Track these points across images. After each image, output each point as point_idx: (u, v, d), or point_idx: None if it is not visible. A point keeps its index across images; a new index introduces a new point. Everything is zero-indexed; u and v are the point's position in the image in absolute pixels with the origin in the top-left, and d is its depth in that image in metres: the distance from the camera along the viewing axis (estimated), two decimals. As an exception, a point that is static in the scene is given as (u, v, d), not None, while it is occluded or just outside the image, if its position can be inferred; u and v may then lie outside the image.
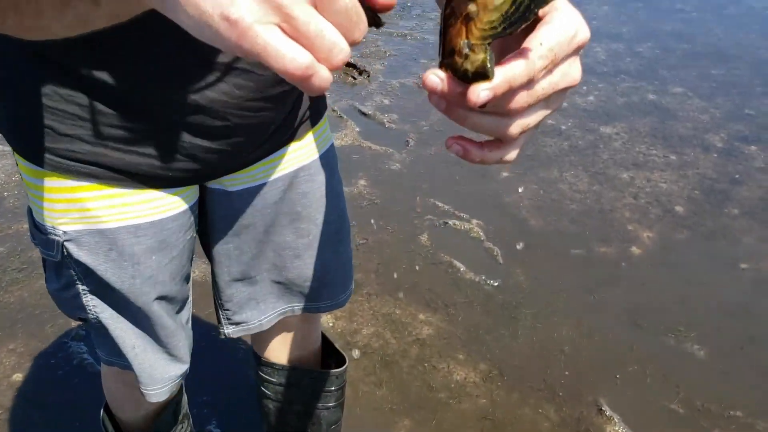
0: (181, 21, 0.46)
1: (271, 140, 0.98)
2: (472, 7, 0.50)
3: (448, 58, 0.52)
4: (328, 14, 0.44)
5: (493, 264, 2.38)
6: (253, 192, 1.01)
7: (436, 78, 0.51)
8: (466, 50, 0.50)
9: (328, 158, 1.09)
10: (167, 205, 0.94)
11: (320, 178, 1.07)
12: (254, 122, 0.89)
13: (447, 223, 2.58)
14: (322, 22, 0.44)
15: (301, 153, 1.04)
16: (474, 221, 2.59)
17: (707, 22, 4.40)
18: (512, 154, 0.58)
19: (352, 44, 0.45)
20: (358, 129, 3.25)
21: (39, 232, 0.94)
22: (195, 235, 1.03)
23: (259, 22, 0.43)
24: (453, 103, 0.53)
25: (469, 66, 0.50)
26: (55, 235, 0.91)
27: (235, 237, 1.06)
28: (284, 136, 1.00)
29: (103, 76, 0.79)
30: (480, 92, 0.49)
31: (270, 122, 0.93)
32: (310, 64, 0.43)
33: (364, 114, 3.41)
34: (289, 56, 0.43)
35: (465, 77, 0.51)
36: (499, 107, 0.53)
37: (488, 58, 0.50)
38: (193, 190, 0.98)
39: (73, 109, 0.82)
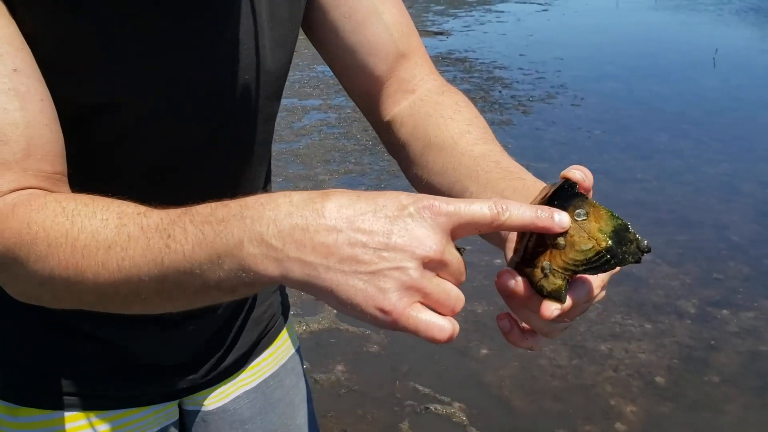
0: (329, 303, 0.55)
1: (238, 344, 0.99)
2: (561, 241, 0.60)
3: (528, 267, 0.61)
4: (445, 275, 0.56)
5: (477, 450, 2.32)
6: (228, 409, 1.01)
7: (513, 280, 0.62)
8: (547, 271, 0.60)
9: (296, 363, 1.10)
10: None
11: (288, 383, 1.08)
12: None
13: (428, 407, 2.54)
14: (447, 286, 0.56)
15: (270, 360, 1.05)
16: (456, 404, 2.56)
17: (667, 189, 4.61)
18: (542, 344, 0.67)
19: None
20: (334, 312, 3.27)
21: None
22: None
23: (407, 306, 0.53)
24: (518, 304, 0.63)
25: (546, 284, 0.60)
26: None
27: None
28: (249, 344, 1.02)
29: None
30: (553, 310, 0.60)
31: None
32: (453, 329, 0.55)
33: (341, 295, 3.44)
34: (437, 328, 0.55)
35: (539, 291, 0.61)
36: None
37: (565, 286, 0.60)
38: (169, 413, 0.98)
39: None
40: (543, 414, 2.51)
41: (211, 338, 0.96)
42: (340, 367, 2.80)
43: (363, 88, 0.92)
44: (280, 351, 1.07)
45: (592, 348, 2.94)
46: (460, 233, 0.56)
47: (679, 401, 2.58)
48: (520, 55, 7.62)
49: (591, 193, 0.64)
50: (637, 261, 0.61)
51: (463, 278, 0.57)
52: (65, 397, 0.88)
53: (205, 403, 1.00)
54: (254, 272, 0.55)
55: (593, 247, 0.59)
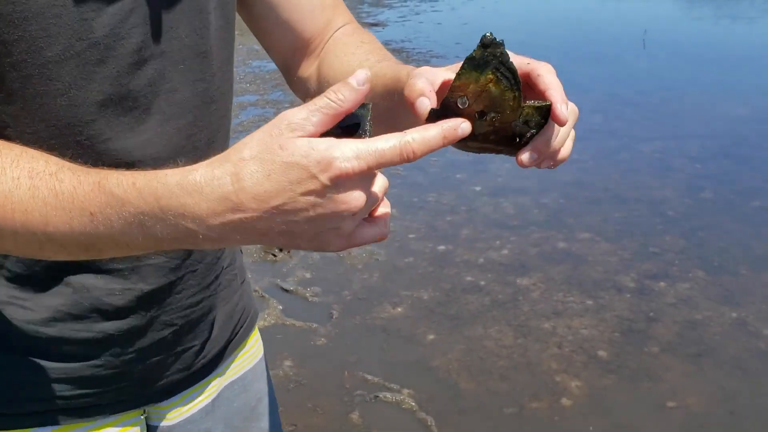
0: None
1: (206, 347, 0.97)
2: (486, 117, 0.65)
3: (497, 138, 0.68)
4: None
5: (427, 434, 2.34)
6: (195, 419, 0.99)
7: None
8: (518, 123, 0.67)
9: (262, 368, 1.09)
10: None
11: (255, 387, 1.06)
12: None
13: (378, 396, 2.55)
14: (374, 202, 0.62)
15: (237, 365, 1.04)
16: (405, 391, 2.57)
17: (603, 169, 4.72)
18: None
19: None
20: (280, 307, 3.25)
21: None
22: None
23: (350, 243, 0.61)
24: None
25: (521, 129, 0.67)
26: None
27: None
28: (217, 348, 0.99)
29: None
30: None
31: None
32: (386, 231, 0.63)
33: (286, 290, 3.43)
34: (379, 237, 0.62)
35: (520, 135, 0.68)
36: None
37: (531, 112, 0.67)
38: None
39: None
40: (491, 394, 2.55)
41: (172, 342, 0.92)
42: (287, 363, 2.79)
43: (291, 45, 0.95)
44: (247, 356, 1.06)
45: (535, 327, 2.99)
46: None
47: (621, 373, 2.65)
48: (456, 43, 7.68)
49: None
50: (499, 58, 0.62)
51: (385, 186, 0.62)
52: (22, 418, 0.85)
53: (169, 416, 0.97)
54: (194, 245, 0.61)
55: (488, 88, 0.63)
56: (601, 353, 2.79)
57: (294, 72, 0.97)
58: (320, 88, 0.92)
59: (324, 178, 0.56)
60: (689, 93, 6.08)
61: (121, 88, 0.75)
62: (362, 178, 0.58)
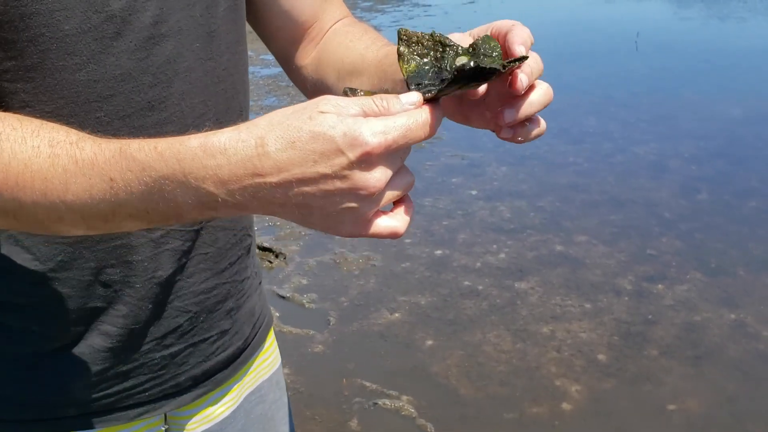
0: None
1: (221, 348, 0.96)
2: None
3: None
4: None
5: (427, 441, 2.32)
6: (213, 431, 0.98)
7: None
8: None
9: (279, 377, 1.08)
10: None
11: (271, 398, 1.05)
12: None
13: (376, 403, 2.53)
14: (390, 193, 0.61)
15: (253, 375, 1.03)
16: (404, 398, 2.55)
17: (599, 172, 4.71)
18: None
19: None
20: (277, 314, 3.23)
21: None
22: None
23: (364, 229, 0.61)
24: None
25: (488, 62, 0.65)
26: None
27: None
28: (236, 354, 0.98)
29: None
30: (522, 79, 0.67)
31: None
32: (404, 226, 0.63)
33: (282, 297, 3.41)
34: (392, 231, 0.62)
35: (490, 72, 0.65)
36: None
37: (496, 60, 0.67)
38: None
39: None
40: (490, 399, 2.53)
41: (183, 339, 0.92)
42: (285, 370, 2.75)
43: (288, 34, 0.96)
44: (264, 365, 1.04)
45: (534, 331, 2.98)
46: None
47: (621, 376, 2.64)
48: (450, 47, 7.68)
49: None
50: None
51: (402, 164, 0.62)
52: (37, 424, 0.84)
53: (189, 426, 0.96)
54: (215, 214, 0.62)
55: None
56: (601, 357, 2.77)
57: (293, 61, 0.98)
58: (319, 75, 0.94)
59: (350, 154, 0.56)
60: (683, 94, 6.08)
61: (139, 63, 0.76)
62: (387, 160, 0.58)
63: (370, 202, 0.59)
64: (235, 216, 0.89)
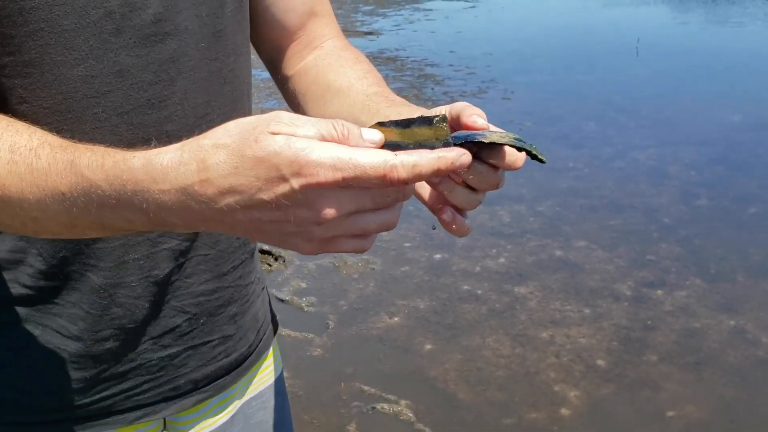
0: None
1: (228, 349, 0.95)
2: None
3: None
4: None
5: (425, 446, 2.32)
6: None
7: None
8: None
9: (281, 384, 1.07)
10: None
11: (272, 404, 1.05)
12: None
13: (375, 407, 2.53)
14: (360, 221, 0.57)
15: (256, 381, 1.02)
16: (402, 402, 2.55)
17: (599, 177, 4.71)
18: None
19: None
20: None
21: None
22: None
23: (324, 248, 0.57)
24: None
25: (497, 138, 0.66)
26: None
27: None
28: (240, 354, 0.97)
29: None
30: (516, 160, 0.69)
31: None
32: (369, 244, 0.58)
33: (281, 300, 3.40)
34: (356, 249, 0.58)
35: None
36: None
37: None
38: None
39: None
40: (489, 404, 2.53)
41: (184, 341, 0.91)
42: (284, 374, 2.76)
43: (275, 41, 0.96)
44: (267, 371, 1.04)
45: (533, 336, 2.97)
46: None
47: (620, 382, 2.63)
48: (450, 51, 7.69)
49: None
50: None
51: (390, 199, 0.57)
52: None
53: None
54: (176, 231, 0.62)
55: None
56: (600, 362, 2.77)
57: (279, 69, 0.98)
58: (303, 89, 0.94)
59: (294, 183, 0.52)
60: (683, 100, 6.09)
61: (139, 59, 0.76)
62: (338, 193, 0.53)
63: (323, 228, 0.55)
64: None
